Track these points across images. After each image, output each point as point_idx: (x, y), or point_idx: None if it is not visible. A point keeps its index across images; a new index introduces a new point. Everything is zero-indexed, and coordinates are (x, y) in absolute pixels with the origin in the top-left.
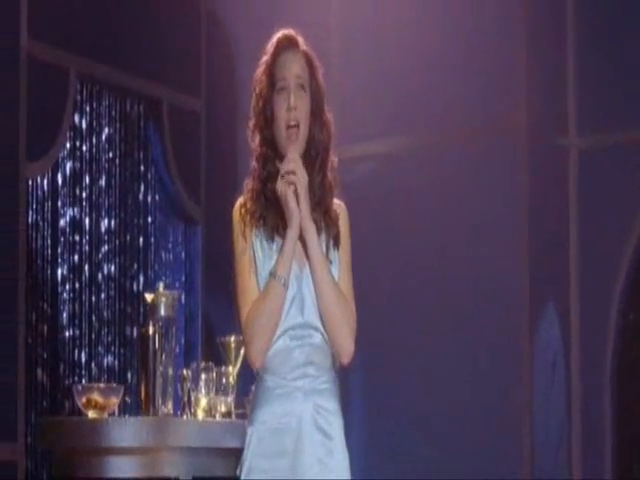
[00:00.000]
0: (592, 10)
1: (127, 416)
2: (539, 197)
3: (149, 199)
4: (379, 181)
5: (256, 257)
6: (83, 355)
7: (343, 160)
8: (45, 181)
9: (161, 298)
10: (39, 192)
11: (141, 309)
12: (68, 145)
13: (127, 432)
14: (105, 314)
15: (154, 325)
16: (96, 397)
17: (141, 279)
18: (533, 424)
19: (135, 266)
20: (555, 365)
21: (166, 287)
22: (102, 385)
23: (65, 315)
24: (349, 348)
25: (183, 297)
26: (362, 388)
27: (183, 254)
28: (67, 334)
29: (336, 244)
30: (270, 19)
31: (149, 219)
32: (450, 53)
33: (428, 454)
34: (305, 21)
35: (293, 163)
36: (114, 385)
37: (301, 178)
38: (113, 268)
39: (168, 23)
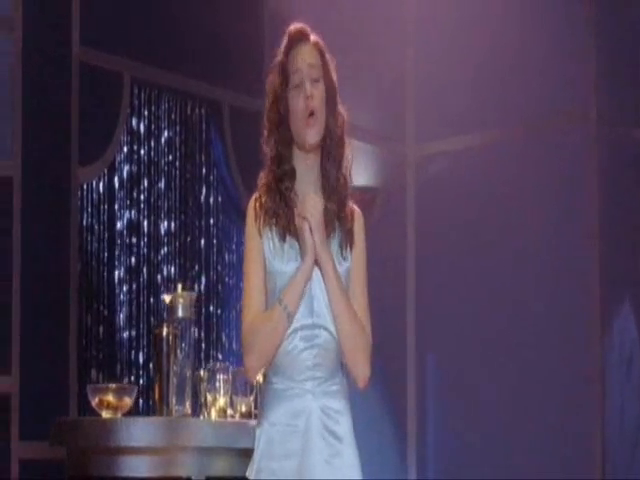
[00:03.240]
0: None
1: (140, 416)
2: (612, 192)
3: (211, 201)
4: (455, 177)
5: (266, 256)
6: (141, 356)
7: (419, 158)
8: (101, 185)
9: (179, 299)
10: (94, 195)
11: (202, 310)
12: (125, 149)
13: (139, 432)
14: (165, 315)
15: (168, 326)
16: (109, 398)
17: (203, 280)
18: (605, 422)
19: (196, 267)
20: (631, 361)
21: (183, 288)
22: (115, 385)
23: (122, 316)
24: (365, 374)
25: None
26: (436, 390)
27: None
28: (124, 335)
29: (349, 242)
30: (335, 18)
31: (211, 221)
32: (521, 49)
33: (499, 452)
34: (375, 20)
35: (309, 209)
36: (127, 385)
37: (314, 212)
38: (173, 270)
39: (229, 23)
